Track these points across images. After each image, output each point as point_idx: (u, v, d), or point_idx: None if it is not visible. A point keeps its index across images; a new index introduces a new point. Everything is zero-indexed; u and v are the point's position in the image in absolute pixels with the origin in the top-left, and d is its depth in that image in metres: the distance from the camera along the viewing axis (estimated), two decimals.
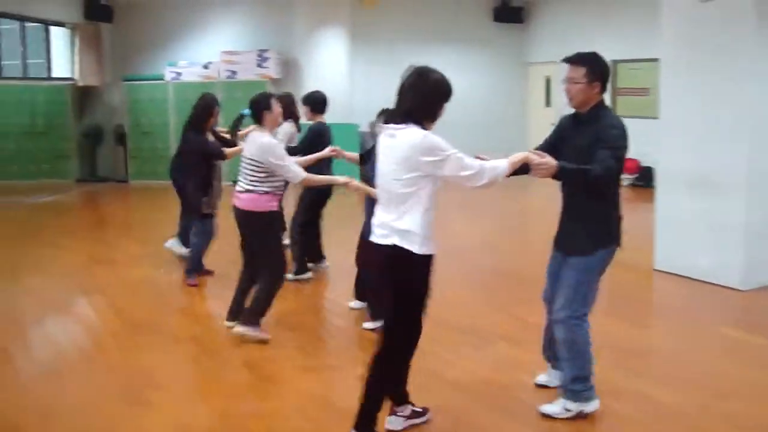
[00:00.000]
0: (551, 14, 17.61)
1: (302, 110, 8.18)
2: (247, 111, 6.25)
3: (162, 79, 16.01)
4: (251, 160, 5.98)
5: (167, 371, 5.59)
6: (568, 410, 4.59)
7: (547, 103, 17.86)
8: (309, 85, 14.69)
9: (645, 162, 14.61)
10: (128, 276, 8.36)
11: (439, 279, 6.75)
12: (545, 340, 4.98)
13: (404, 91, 4.01)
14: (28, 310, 7.15)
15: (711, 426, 4.59)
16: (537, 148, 4.41)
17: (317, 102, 7.97)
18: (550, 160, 4.04)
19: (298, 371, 5.56)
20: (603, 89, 4.41)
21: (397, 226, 3.97)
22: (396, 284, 4.09)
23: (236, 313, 6.31)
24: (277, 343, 6.07)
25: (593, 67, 4.36)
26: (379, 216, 4.11)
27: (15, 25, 15.32)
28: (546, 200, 13.45)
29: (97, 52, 16.16)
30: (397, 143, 3.94)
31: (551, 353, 4.92)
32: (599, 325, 6.38)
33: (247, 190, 6.01)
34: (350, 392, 4.56)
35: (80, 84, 15.95)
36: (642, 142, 14.41)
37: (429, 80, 4.03)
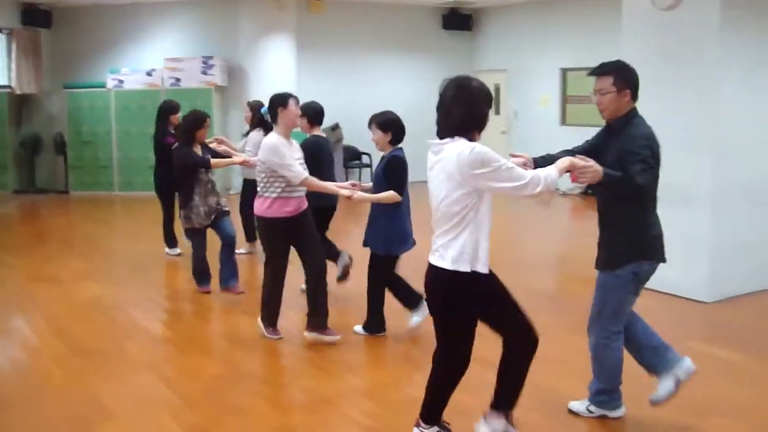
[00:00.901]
0: (500, 22, 17.55)
1: (299, 122, 7.77)
2: (264, 109, 6.34)
3: (104, 86, 15.52)
4: (262, 162, 6.01)
5: (120, 400, 5.24)
6: (590, 412, 4.77)
7: (497, 111, 17.77)
8: (255, 93, 14.41)
9: None
10: (73, 295, 7.96)
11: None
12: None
13: (447, 104, 3.86)
14: None
15: None
16: (575, 149, 4.52)
17: (316, 113, 7.56)
18: (595, 164, 3.96)
19: (267, 404, 5.27)
20: (634, 97, 4.35)
21: (446, 246, 3.87)
22: (442, 307, 4.03)
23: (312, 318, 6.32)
24: (243, 371, 5.78)
25: (621, 74, 4.32)
26: (435, 236, 4.00)
27: None
28: (528, 215, 13.56)
29: (35, 58, 15.60)
30: (445, 158, 3.81)
31: (645, 363, 4.81)
32: (566, 341, 6.31)
33: (260, 196, 6.10)
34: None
35: (18, 92, 15.37)
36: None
37: (472, 89, 3.86)
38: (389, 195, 6.04)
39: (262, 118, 8.11)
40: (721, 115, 7.30)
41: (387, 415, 4.96)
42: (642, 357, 4.75)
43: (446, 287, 3.93)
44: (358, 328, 6.52)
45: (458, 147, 3.73)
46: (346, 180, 16.60)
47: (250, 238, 9.52)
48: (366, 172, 16.53)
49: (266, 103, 6.36)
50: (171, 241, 9.69)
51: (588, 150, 4.52)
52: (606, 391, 4.68)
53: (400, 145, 6.24)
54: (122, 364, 5.99)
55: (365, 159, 16.50)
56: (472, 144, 3.73)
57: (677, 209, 7.50)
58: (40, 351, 6.31)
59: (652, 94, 7.99)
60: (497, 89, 17.71)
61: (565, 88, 16.40)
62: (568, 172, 4.00)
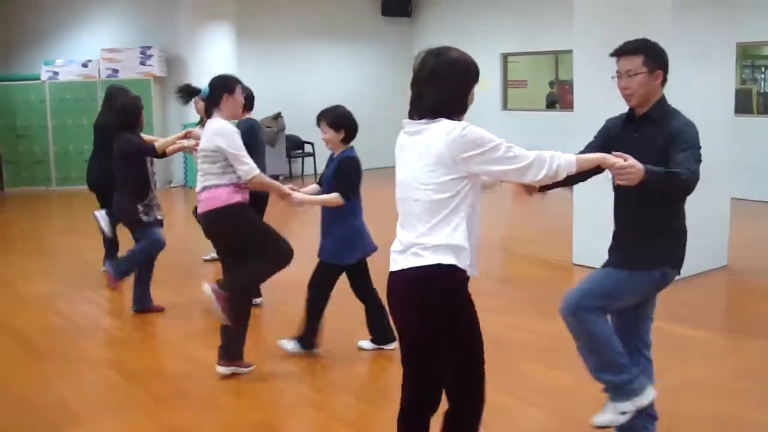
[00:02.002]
0: (438, 7, 17.53)
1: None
2: (205, 89, 5.30)
3: (38, 78, 15.09)
4: (206, 150, 5.17)
5: (88, 402, 5.08)
6: (623, 412, 3.89)
7: None
8: (195, 83, 14.00)
9: None
10: (21, 295, 7.71)
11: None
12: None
13: (423, 80, 3.17)
14: None
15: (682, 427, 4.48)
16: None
17: (246, 98, 7.28)
18: (636, 162, 3.30)
19: (231, 396, 5.16)
20: (665, 79, 3.82)
21: (429, 241, 3.10)
22: (441, 319, 3.14)
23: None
24: (205, 365, 5.65)
25: (653, 53, 3.77)
26: (400, 236, 3.23)
27: None
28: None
29: None
30: (427, 140, 3.10)
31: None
32: (529, 326, 6.34)
33: (205, 188, 5.22)
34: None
35: None
36: (534, 134, 14.79)
37: (453, 61, 3.18)
38: (331, 198, 5.41)
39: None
40: (672, 98, 7.33)
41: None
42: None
43: (443, 288, 3.13)
44: (365, 343, 5.91)
45: (445, 126, 3.08)
46: (288, 169, 16.65)
47: None
48: (309, 161, 16.40)
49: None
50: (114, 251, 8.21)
51: (600, 148, 3.81)
52: (606, 365, 3.89)
53: (351, 144, 5.70)
54: (83, 365, 5.82)
55: (308, 148, 16.36)
56: (462, 123, 3.11)
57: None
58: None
59: (604, 79, 8.08)
60: None
61: (506, 73, 16.48)
62: (596, 170, 3.54)
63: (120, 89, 8.12)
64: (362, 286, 5.78)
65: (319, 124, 5.62)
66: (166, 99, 15.40)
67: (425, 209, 3.12)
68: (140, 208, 6.80)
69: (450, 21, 17.21)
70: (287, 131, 15.75)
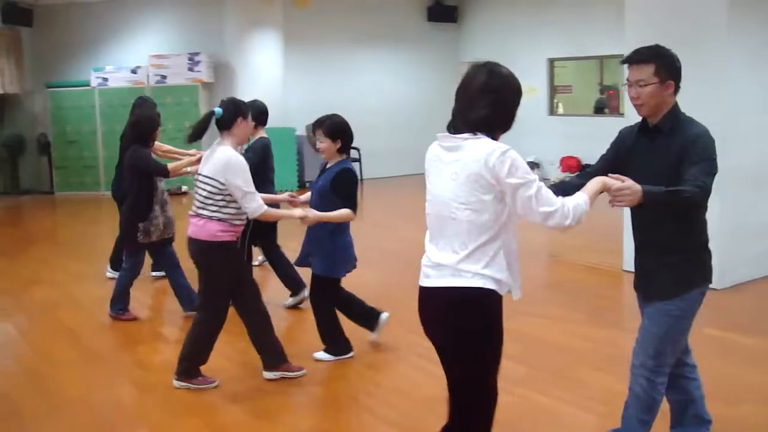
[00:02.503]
0: (485, 13, 17.51)
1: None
2: (218, 110, 5.15)
3: (87, 85, 15.35)
4: (209, 179, 5.01)
5: (145, 405, 5.15)
6: None
7: None
8: (243, 89, 14.31)
9: (586, 159, 14.61)
10: (75, 298, 7.82)
11: (396, 290, 6.33)
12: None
13: (471, 93, 3.11)
14: None
15: None
16: (591, 170, 3.74)
17: (261, 113, 7.09)
18: (632, 184, 3.24)
19: (281, 400, 5.19)
20: (677, 90, 3.65)
21: (469, 268, 3.07)
22: (470, 338, 3.15)
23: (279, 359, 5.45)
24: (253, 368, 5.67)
25: (665, 62, 3.61)
26: (433, 254, 3.20)
27: None
28: None
29: (17, 58, 15.37)
30: (465, 158, 3.04)
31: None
32: (580, 332, 6.29)
33: (199, 215, 5.10)
34: None
35: (0, 92, 15.13)
36: (583, 141, 14.68)
37: (505, 79, 3.15)
38: (345, 213, 5.32)
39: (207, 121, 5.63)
40: (727, 99, 7.29)
41: None
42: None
43: (477, 311, 3.11)
44: (320, 354, 5.82)
45: (485, 146, 3.02)
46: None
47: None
48: (355, 166, 16.38)
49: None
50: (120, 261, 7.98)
51: (612, 162, 3.80)
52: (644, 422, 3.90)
53: (346, 156, 5.56)
54: (137, 367, 5.88)
55: (354, 153, 16.39)
56: (503, 146, 3.02)
57: None
58: (50, 357, 6.15)
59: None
60: None
61: (552, 78, 16.40)
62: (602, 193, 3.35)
63: (144, 100, 8.09)
64: (322, 299, 5.74)
65: (314, 132, 5.50)
66: (214, 105, 15.44)
67: (463, 230, 3.08)
68: (140, 226, 6.70)
69: (496, 27, 17.18)
70: None
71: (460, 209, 3.07)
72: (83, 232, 11.76)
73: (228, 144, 5.10)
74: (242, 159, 5.07)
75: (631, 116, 8.06)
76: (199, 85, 15.14)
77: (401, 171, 16.94)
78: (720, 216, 7.35)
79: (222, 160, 4.98)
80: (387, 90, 16.98)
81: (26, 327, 6.99)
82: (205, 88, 15.30)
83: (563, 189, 3.48)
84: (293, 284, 7.28)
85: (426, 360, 5.75)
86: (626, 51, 8.11)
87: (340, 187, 5.37)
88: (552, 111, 16.31)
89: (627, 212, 8.13)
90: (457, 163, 3.07)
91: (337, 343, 5.81)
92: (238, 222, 5.15)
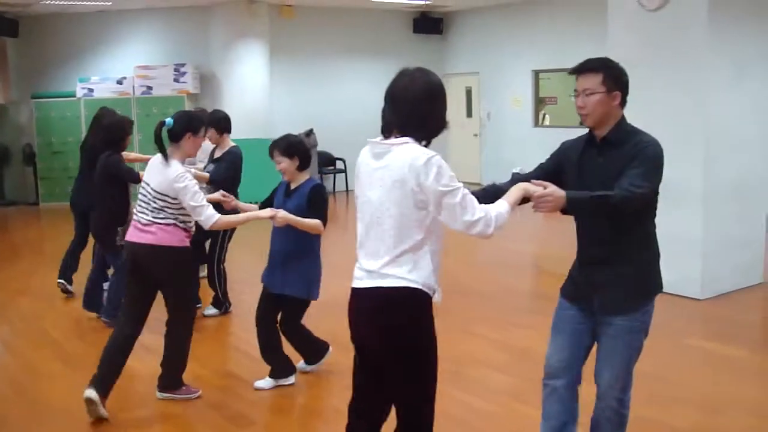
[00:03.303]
0: (471, 25, 17.60)
1: (209, 133, 7.15)
2: (169, 121, 5.06)
3: (73, 95, 15.32)
4: (159, 193, 4.98)
5: (132, 418, 5.14)
6: None
7: (469, 113, 17.83)
8: (228, 100, 14.37)
9: None
10: (63, 309, 7.81)
11: None
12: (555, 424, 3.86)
13: (397, 98, 3.15)
14: None
15: None
16: (523, 176, 3.65)
17: (227, 120, 7.22)
18: (555, 190, 3.26)
19: (269, 412, 5.19)
20: (623, 102, 3.61)
21: (396, 272, 3.10)
22: (397, 336, 3.15)
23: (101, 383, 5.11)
24: (239, 379, 5.68)
25: (611, 73, 3.57)
26: (364, 260, 3.23)
27: None
28: None
29: (2, 68, 15.36)
30: (391, 163, 3.09)
31: None
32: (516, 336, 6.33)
33: (155, 223, 5.01)
34: None
35: None
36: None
37: (432, 86, 3.17)
38: (316, 223, 5.22)
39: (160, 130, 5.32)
40: (709, 114, 7.36)
41: None
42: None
43: (408, 307, 3.13)
44: (302, 365, 5.81)
45: (412, 152, 3.05)
46: None
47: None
48: (340, 177, 16.44)
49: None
50: (71, 272, 8.46)
51: (551, 173, 3.71)
52: None
53: (308, 174, 5.49)
54: (126, 380, 5.85)
55: (339, 164, 16.43)
56: (430, 152, 3.06)
57: (669, 208, 7.55)
58: (35, 368, 6.16)
59: (639, 96, 8.08)
60: (469, 92, 17.79)
61: (537, 90, 16.49)
62: (524, 202, 3.36)
63: (108, 110, 8.03)
64: (297, 321, 5.63)
65: (272, 155, 5.39)
66: None
67: (389, 235, 3.11)
68: (119, 230, 6.80)
69: (481, 39, 17.29)
70: (319, 148, 15.82)
71: (385, 215, 3.11)
72: (67, 243, 11.66)
73: (175, 158, 5.03)
74: (183, 173, 4.93)
75: None
76: (185, 96, 15.14)
77: None
78: (704, 227, 7.44)
79: (170, 175, 4.93)
80: (372, 101, 16.78)
81: (10, 338, 6.99)
82: (190, 99, 15.29)
83: (492, 193, 3.50)
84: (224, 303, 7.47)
85: None
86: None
87: (318, 204, 5.29)
88: (537, 123, 16.38)
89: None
90: (384, 169, 3.11)
91: (317, 350, 5.81)
92: (191, 228, 5.19)
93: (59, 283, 8.33)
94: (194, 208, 4.92)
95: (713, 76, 7.34)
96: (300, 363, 5.82)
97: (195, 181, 5.00)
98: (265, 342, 5.52)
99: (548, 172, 3.74)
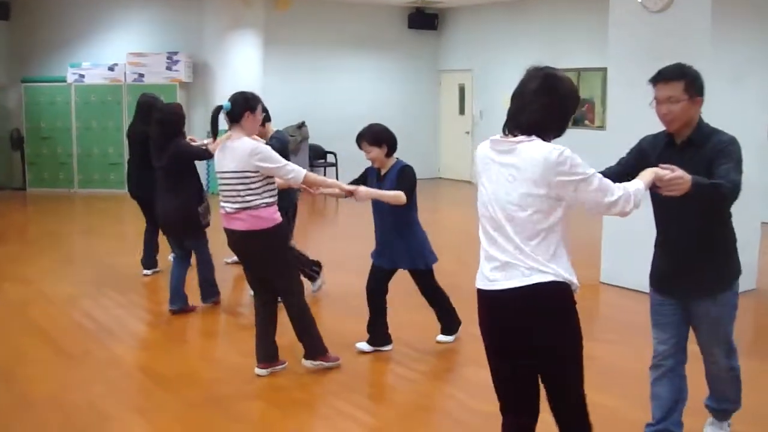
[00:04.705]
0: (466, 22, 17.53)
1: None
2: (227, 104, 5.20)
3: (64, 80, 15.13)
4: (238, 173, 5.10)
5: (119, 405, 5.07)
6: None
7: (461, 110, 17.78)
8: (221, 90, 14.20)
9: None
10: (48, 296, 7.69)
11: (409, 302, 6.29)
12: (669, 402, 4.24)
13: (527, 97, 3.17)
14: None
15: None
16: (605, 172, 3.75)
17: (264, 110, 7.24)
18: (683, 173, 3.35)
19: (271, 409, 5.12)
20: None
21: (535, 264, 3.13)
22: (553, 336, 3.23)
23: (270, 356, 5.56)
24: (242, 375, 5.61)
25: (692, 80, 3.81)
26: (493, 255, 3.22)
27: None
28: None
29: None
30: (521, 161, 3.12)
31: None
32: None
33: (246, 208, 5.14)
34: None
35: None
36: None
37: (563, 83, 3.21)
38: (397, 194, 5.47)
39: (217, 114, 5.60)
40: (710, 116, 7.27)
41: None
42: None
43: (561, 304, 3.22)
44: (440, 337, 6.28)
45: (541, 148, 3.09)
46: None
47: None
48: (331, 171, 16.36)
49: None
50: (152, 260, 8.57)
51: (633, 167, 3.86)
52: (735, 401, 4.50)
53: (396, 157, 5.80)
54: (111, 367, 5.79)
55: (330, 158, 16.35)
56: (559, 147, 3.10)
57: None
58: (23, 355, 6.06)
59: (640, 96, 8.04)
60: (462, 89, 17.73)
61: None
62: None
63: (155, 98, 8.11)
64: (433, 286, 6.11)
65: (360, 146, 5.69)
66: (192, 105, 15.39)
67: (523, 229, 3.14)
68: (200, 210, 6.94)
69: (476, 36, 17.22)
70: (310, 140, 15.73)
71: (518, 209, 3.13)
72: (55, 230, 11.58)
73: (241, 135, 5.20)
74: (255, 142, 5.19)
75: (616, 129, 8.12)
76: (177, 84, 15.00)
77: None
78: None
79: (245, 150, 5.09)
80: (366, 95, 16.92)
81: None
82: (182, 87, 15.15)
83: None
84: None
85: (404, 366, 5.76)
86: (609, 66, 8.26)
87: (404, 180, 5.60)
88: None
89: (607, 224, 8.21)
90: (512, 167, 3.15)
91: (452, 321, 6.30)
92: (276, 200, 5.34)
93: (145, 274, 8.45)
94: (280, 169, 5.13)
95: (713, 82, 7.27)
96: (439, 335, 6.27)
97: (268, 146, 5.25)
98: (373, 311, 5.97)
99: (630, 167, 3.90)
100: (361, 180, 5.84)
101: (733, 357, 4.21)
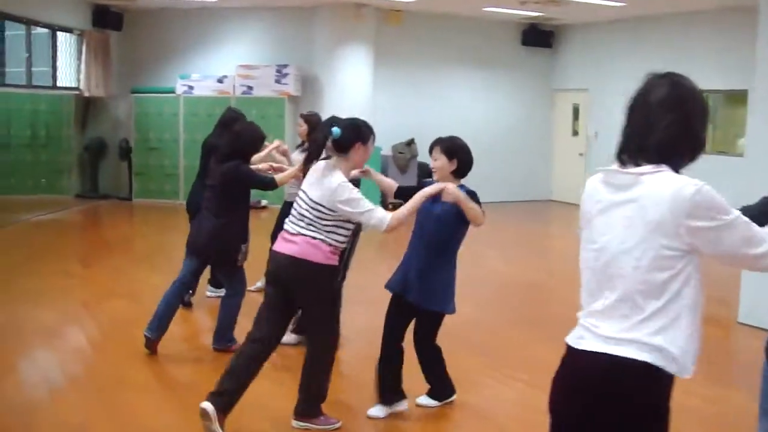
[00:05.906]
0: (581, 40, 16.86)
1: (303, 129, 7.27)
2: (336, 130, 4.65)
3: (173, 92, 15.10)
4: (316, 204, 4.62)
5: None
6: None
7: (574, 132, 17.11)
8: (330, 105, 13.87)
9: None
10: (150, 313, 7.35)
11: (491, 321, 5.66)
12: None
13: (649, 110, 2.49)
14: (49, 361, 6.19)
15: None
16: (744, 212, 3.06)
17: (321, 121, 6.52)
18: None
19: None
20: None
21: (631, 334, 2.42)
22: (632, 424, 2.49)
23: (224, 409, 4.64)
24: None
25: None
26: (593, 316, 2.55)
27: (21, 31, 14.31)
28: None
29: (104, 61, 15.21)
30: (643, 198, 2.42)
31: None
32: (696, 391, 5.61)
33: (301, 234, 4.64)
34: None
35: (86, 94, 14.94)
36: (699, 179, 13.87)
37: (691, 93, 2.52)
38: (480, 211, 4.77)
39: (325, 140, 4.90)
40: None
41: None
42: None
43: (637, 390, 2.45)
44: (423, 399, 5.31)
45: (672, 182, 2.38)
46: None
47: None
48: None
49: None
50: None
51: None
52: None
53: (460, 182, 4.93)
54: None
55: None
56: (695, 181, 2.36)
57: None
58: (123, 378, 5.72)
59: None
60: (575, 109, 17.09)
61: None
62: None
63: (238, 113, 7.49)
64: (430, 338, 5.17)
65: (431, 151, 4.94)
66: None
67: (637, 290, 2.42)
68: (242, 248, 6.19)
69: (593, 55, 16.51)
70: (419, 158, 15.27)
71: (633, 264, 2.41)
72: (162, 242, 11.40)
73: (340, 169, 4.65)
74: (344, 182, 4.59)
75: (755, 156, 7.47)
76: (285, 98, 14.78)
77: (487, 198, 16.28)
78: None
79: (332, 186, 4.56)
80: (477, 113, 16.39)
81: (100, 342, 6.61)
82: (291, 101, 14.91)
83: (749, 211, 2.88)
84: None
85: None
86: (756, 88, 7.59)
87: (476, 202, 4.81)
88: None
89: None
90: (632, 205, 2.42)
91: (444, 386, 5.30)
92: (342, 246, 4.74)
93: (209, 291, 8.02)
94: (362, 215, 4.56)
95: None
96: (422, 397, 5.31)
97: (357, 189, 4.61)
98: (425, 362, 5.20)
99: None
100: (410, 191, 4.91)
101: None
